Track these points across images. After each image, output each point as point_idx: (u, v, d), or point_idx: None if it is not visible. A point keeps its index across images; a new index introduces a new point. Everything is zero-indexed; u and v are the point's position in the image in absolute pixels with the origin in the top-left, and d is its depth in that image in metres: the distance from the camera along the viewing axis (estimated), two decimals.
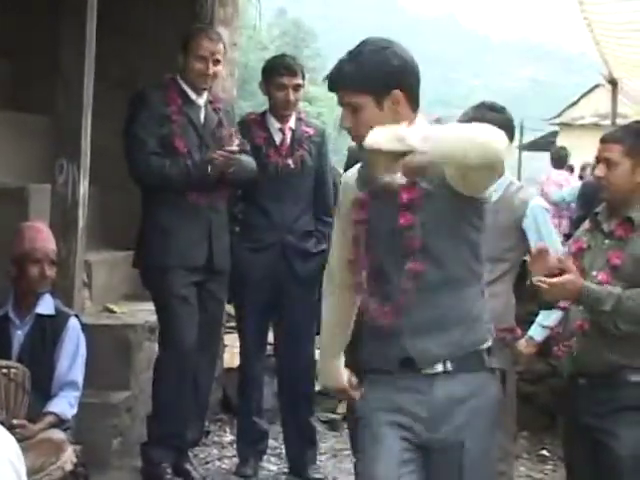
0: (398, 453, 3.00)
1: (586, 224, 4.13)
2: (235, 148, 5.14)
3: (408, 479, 2.99)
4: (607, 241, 3.97)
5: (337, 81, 3.05)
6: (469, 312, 3.11)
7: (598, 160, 4.00)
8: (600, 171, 3.95)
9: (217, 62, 5.23)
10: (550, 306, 4.14)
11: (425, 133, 2.77)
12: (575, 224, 6.07)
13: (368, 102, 3.00)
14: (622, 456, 3.87)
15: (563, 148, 14.01)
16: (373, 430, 3.05)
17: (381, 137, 2.75)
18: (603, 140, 3.99)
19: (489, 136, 2.80)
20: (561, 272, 3.75)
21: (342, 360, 3.44)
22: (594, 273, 3.92)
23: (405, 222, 3.03)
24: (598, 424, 3.91)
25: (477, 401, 3.05)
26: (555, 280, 3.76)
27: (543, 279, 3.78)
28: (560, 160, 13.96)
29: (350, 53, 3.05)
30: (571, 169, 13.42)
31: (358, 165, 3.24)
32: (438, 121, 3.28)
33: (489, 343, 3.12)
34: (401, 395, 3.03)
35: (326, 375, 3.50)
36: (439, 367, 3.03)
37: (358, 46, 3.05)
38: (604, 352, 3.87)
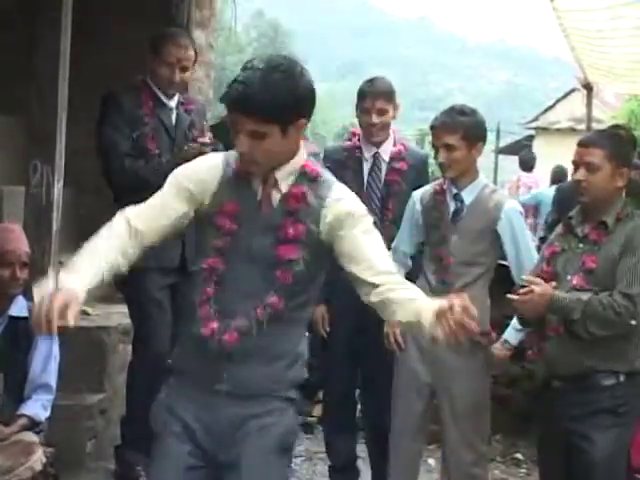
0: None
1: (559, 228, 4.16)
2: (207, 140, 5.12)
3: None
4: (581, 245, 3.99)
5: (242, 106, 2.90)
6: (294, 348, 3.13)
7: (577, 164, 4.02)
8: (581, 175, 3.97)
9: (184, 69, 5.17)
10: (528, 324, 4.17)
11: None
12: (549, 228, 6.09)
13: (274, 130, 2.92)
14: (596, 459, 3.89)
15: (530, 152, 14.14)
16: None
17: None
18: (583, 144, 4.02)
19: None
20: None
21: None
22: (568, 277, 3.95)
23: (286, 254, 3.01)
24: (572, 427, 3.94)
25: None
26: (524, 297, 3.82)
27: (513, 296, 3.84)
28: (527, 163, 14.14)
29: (259, 77, 2.88)
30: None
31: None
32: (315, 155, 3.29)
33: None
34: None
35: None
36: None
37: (265, 69, 2.90)
38: (577, 356, 3.90)
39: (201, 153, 5.09)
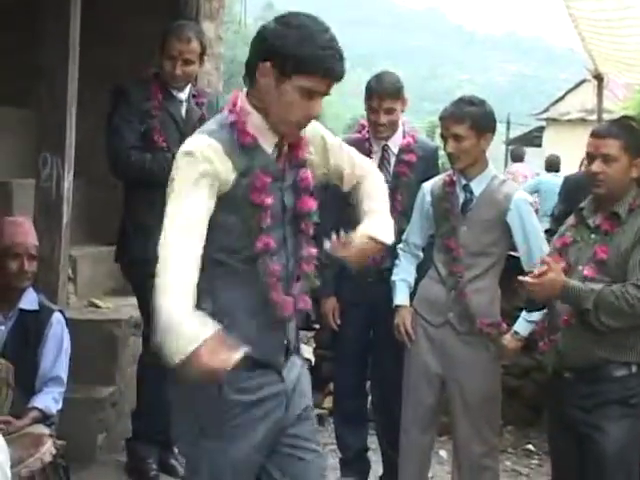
0: None
1: (571, 219, 4.14)
2: None
3: None
4: (593, 236, 3.98)
5: (342, 72, 2.96)
6: None
7: (592, 156, 3.99)
8: (597, 167, 3.94)
9: (187, 62, 5.14)
10: (536, 307, 4.16)
11: None
12: (556, 220, 6.06)
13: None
14: (607, 449, 3.88)
15: (520, 147, 14.23)
16: None
17: None
18: (598, 135, 3.99)
19: None
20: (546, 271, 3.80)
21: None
22: (580, 268, 3.93)
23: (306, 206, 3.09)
24: (584, 418, 3.93)
25: None
26: (537, 280, 3.80)
27: (525, 278, 3.81)
28: (518, 156, 14.26)
29: (335, 39, 2.96)
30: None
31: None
32: None
33: None
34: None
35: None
36: None
37: (324, 26, 2.98)
38: (589, 347, 3.89)
39: None
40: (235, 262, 3.01)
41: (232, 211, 2.95)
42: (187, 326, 2.67)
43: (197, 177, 2.87)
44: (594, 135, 4.01)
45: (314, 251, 3.09)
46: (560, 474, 4.23)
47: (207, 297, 2.94)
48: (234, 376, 2.82)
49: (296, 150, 3.08)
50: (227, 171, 2.92)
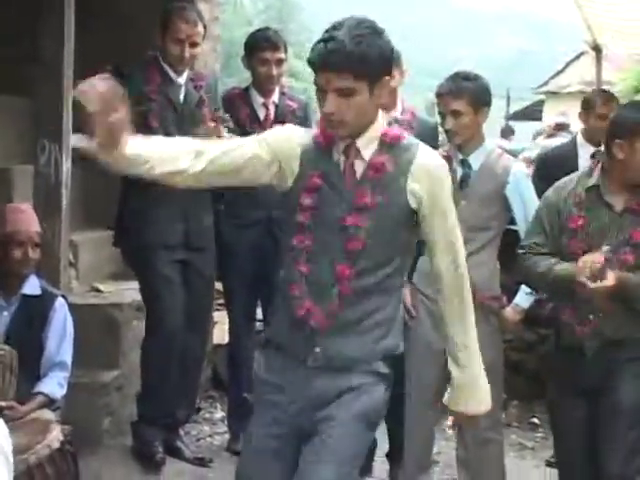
0: None
1: (577, 197, 4.02)
2: (222, 133, 5.09)
3: None
4: (621, 217, 3.92)
5: (334, 62, 2.85)
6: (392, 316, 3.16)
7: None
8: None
9: (194, 45, 5.14)
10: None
11: None
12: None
13: (363, 87, 2.89)
14: (622, 405, 3.88)
15: (508, 126, 14.24)
16: None
17: None
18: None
19: None
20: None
21: None
22: (604, 248, 3.84)
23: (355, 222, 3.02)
24: (600, 384, 3.91)
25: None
26: (599, 285, 3.74)
27: (590, 283, 3.75)
28: (506, 133, 14.20)
29: (347, 33, 2.86)
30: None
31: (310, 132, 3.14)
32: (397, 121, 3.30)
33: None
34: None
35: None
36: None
37: (350, 26, 2.87)
38: (636, 327, 3.88)
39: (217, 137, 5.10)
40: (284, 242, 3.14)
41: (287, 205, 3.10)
42: None
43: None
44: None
45: (348, 272, 3.03)
46: (565, 446, 4.22)
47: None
48: (265, 354, 3.10)
49: (374, 168, 3.03)
50: (294, 163, 3.02)
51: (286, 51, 5.57)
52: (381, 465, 5.41)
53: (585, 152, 5.83)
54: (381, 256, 3.05)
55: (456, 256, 3.14)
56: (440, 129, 5.09)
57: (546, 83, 27.09)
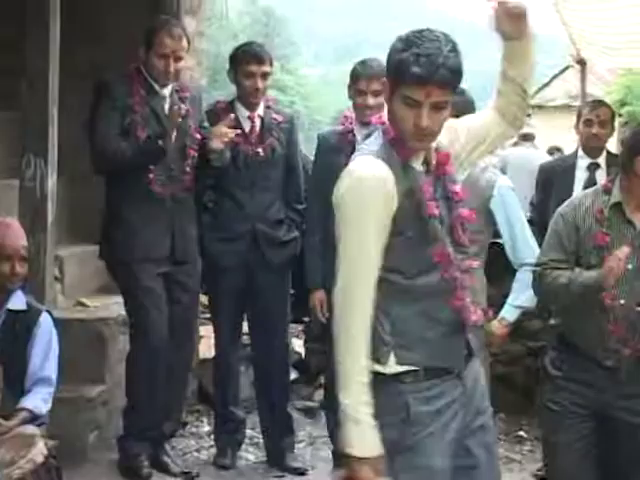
0: None
1: (599, 214, 3.95)
2: (215, 146, 5.13)
3: None
4: None
5: (442, 76, 2.81)
6: None
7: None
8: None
9: (178, 59, 5.15)
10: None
11: None
12: (536, 209, 6.03)
13: (449, 100, 2.92)
14: None
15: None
16: None
17: None
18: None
19: None
20: None
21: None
22: (630, 267, 3.81)
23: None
24: (626, 404, 3.88)
25: None
26: None
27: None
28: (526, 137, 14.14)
29: (444, 46, 2.83)
30: None
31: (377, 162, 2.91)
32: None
33: None
34: None
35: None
36: None
37: (440, 39, 2.84)
38: None
39: (209, 151, 5.13)
40: (404, 279, 2.94)
41: (398, 232, 2.90)
42: (371, 430, 2.78)
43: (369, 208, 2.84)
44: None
45: (474, 263, 3.12)
46: (562, 463, 4.10)
47: (384, 318, 2.92)
48: (416, 387, 2.93)
49: (442, 166, 3.05)
50: (394, 193, 2.87)
51: (272, 64, 5.57)
52: None
53: (583, 163, 5.97)
54: None
55: None
56: None
57: (532, 96, 27.14)
